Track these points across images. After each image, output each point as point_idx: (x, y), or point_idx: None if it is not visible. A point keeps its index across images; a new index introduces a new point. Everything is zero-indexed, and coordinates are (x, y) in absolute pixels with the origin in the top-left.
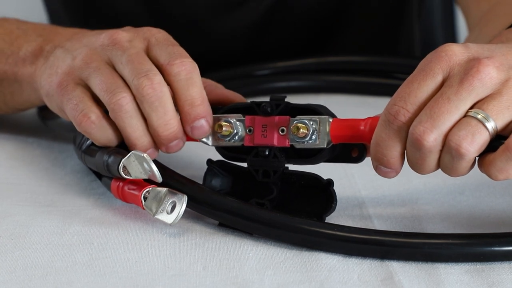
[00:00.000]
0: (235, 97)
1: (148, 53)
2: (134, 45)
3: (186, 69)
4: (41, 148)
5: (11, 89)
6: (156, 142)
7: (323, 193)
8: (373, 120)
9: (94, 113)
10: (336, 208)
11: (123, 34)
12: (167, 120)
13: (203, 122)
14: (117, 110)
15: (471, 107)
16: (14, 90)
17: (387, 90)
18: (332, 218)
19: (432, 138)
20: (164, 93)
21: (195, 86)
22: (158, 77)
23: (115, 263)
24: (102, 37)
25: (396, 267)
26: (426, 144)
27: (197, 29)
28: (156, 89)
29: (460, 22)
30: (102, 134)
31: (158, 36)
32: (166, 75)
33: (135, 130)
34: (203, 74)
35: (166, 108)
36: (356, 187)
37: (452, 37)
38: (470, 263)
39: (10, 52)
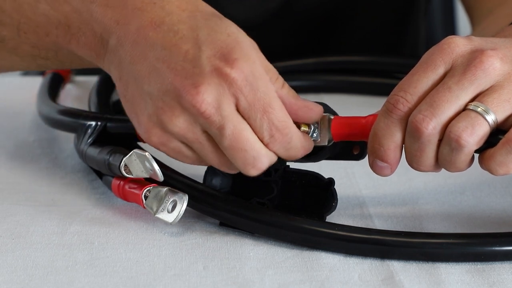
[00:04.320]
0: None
1: (239, 112)
2: (225, 115)
3: (283, 143)
4: (42, 148)
5: (69, 58)
6: None
7: (324, 192)
8: (374, 118)
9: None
10: (336, 208)
11: (209, 101)
12: None
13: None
14: None
15: (471, 100)
16: (73, 59)
17: (388, 90)
18: (333, 218)
19: (431, 126)
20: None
21: (295, 151)
22: (264, 160)
23: (115, 262)
24: (186, 104)
25: (397, 266)
26: (425, 131)
27: None
28: (263, 169)
29: (461, 22)
30: None
31: (247, 95)
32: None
33: None
34: None
35: None
36: (356, 187)
37: None
38: (471, 263)
39: (57, 22)
